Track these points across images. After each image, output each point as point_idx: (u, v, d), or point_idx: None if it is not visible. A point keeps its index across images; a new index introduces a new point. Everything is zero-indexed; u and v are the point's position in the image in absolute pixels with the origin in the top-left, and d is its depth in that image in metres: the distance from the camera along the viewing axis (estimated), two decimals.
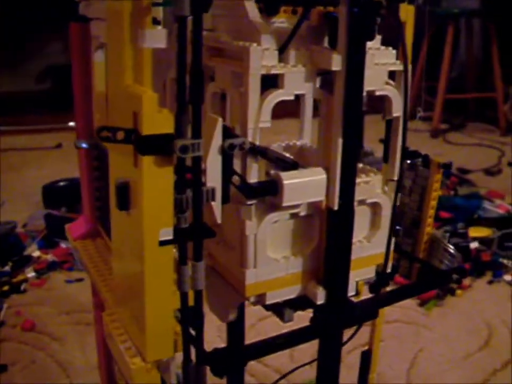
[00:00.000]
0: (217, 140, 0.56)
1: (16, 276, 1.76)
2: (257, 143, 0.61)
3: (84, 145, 0.79)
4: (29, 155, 2.93)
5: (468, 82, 3.79)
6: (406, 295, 0.78)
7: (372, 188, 0.70)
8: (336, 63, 0.61)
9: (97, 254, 0.80)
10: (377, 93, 0.67)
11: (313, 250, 0.68)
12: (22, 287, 1.72)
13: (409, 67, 0.68)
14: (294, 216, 0.66)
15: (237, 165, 0.62)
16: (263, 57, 0.60)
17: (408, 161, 0.85)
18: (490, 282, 1.78)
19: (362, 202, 0.69)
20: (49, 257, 1.87)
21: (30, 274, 1.78)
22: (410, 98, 0.70)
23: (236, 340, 0.86)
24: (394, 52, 0.68)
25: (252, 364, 1.35)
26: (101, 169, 0.80)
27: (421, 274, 0.85)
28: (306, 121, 0.83)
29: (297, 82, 0.62)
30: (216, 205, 0.57)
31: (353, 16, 0.59)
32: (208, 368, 0.61)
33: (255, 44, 0.60)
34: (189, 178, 0.54)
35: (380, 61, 0.66)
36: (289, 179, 0.62)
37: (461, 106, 3.69)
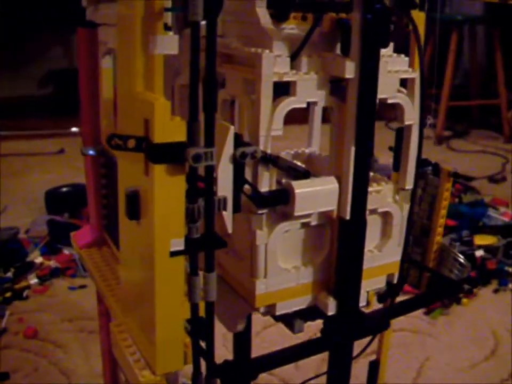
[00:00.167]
0: (229, 148, 0.55)
1: (18, 282, 1.75)
2: (269, 151, 0.60)
3: (91, 152, 0.78)
4: (31, 160, 2.92)
5: (472, 89, 3.78)
6: (417, 305, 0.77)
7: (383, 197, 0.69)
8: (350, 70, 0.60)
9: (103, 263, 0.79)
10: (390, 101, 0.66)
11: (324, 260, 0.67)
12: (25, 294, 1.70)
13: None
14: (305, 225, 0.65)
15: (247, 173, 0.62)
16: (275, 64, 0.59)
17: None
18: (496, 290, 1.77)
19: (373, 211, 0.68)
20: (52, 263, 1.86)
21: (33, 280, 1.77)
22: None
23: (243, 349, 0.85)
24: (407, 59, 0.68)
25: None
26: (108, 176, 0.78)
27: (431, 284, 0.84)
28: (315, 128, 0.82)
29: (309, 90, 0.61)
30: (228, 215, 0.56)
31: (367, 22, 0.58)
32: (218, 380, 0.60)
33: (267, 51, 0.59)
34: (200, 188, 0.53)
35: (393, 68, 0.65)
36: (301, 188, 0.61)
37: (464, 113, 3.68)
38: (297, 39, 0.62)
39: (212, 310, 0.56)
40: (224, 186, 0.55)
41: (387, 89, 0.64)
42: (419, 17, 0.70)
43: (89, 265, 0.78)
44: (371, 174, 0.69)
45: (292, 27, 0.70)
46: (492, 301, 1.73)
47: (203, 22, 0.50)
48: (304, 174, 0.63)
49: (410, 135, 0.69)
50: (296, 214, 0.61)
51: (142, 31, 0.52)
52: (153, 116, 0.48)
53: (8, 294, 1.68)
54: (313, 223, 0.65)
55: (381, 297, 0.76)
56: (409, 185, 0.70)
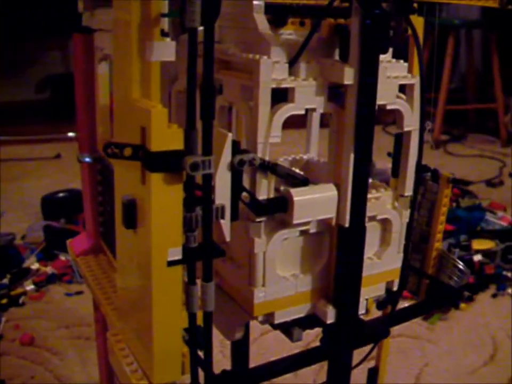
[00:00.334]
0: (226, 156, 0.55)
1: (14, 288, 1.74)
2: (267, 158, 0.60)
3: (87, 159, 0.77)
4: (28, 165, 2.91)
5: (469, 93, 3.78)
6: (417, 313, 0.76)
7: (383, 203, 0.68)
8: (349, 76, 0.59)
9: (100, 271, 0.78)
10: (389, 107, 0.65)
11: (323, 268, 0.66)
12: (21, 300, 1.69)
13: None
14: (303, 233, 0.64)
15: (245, 181, 0.61)
16: (273, 70, 0.59)
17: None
18: (494, 295, 1.76)
19: (372, 218, 0.68)
20: (49, 269, 1.84)
21: (29, 287, 1.76)
22: None
23: (241, 357, 0.84)
24: (406, 64, 0.67)
25: None
26: (104, 183, 0.78)
27: (430, 291, 0.83)
28: (313, 135, 0.81)
29: (308, 96, 0.61)
30: (225, 223, 0.55)
31: (366, 28, 0.58)
32: None
33: (265, 57, 0.59)
34: (197, 196, 0.52)
35: (392, 74, 0.65)
36: (299, 196, 0.60)
37: (461, 117, 3.68)
38: (295, 44, 0.62)
39: (210, 320, 0.55)
40: (222, 194, 0.55)
41: (386, 95, 0.64)
42: (418, 22, 0.70)
43: (86, 273, 0.78)
44: (370, 180, 0.68)
45: (290, 33, 0.70)
46: (490, 305, 1.72)
47: (201, 28, 0.49)
48: (302, 182, 0.62)
49: (410, 141, 0.69)
50: (294, 221, 0.60)
51: (139, 37, 0.51)
52: (150, 123, 0.47)
53: (4, 301, 1.67)
54: (312, 230, 0.64)
55: (380, 304, 0.75)
56: (408, 192, 0.70)
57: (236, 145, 0.57)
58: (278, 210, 0.60)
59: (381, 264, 0.70)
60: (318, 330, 0.69)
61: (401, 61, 0.67)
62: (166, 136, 0.48)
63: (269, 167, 0.59)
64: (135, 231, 0.53)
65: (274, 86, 0.59)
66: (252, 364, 0.67)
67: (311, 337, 0.69)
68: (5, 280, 1.77)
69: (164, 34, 0.52)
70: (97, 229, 0.83)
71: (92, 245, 0.83)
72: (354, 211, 0.63)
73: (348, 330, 0.67)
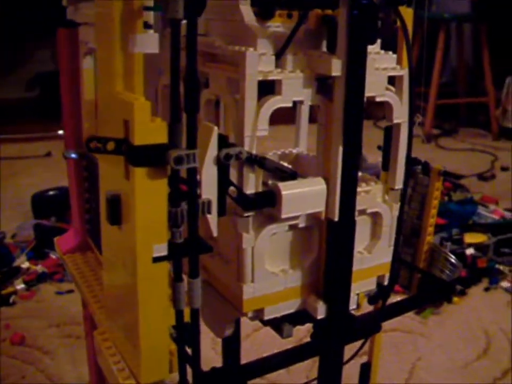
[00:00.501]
0: (212, 149, 0.54)
1: (5, 288, 1.72)
2: (254, 152, 0.59)
3: (73, 155, 0.76)
4: (18, 164, 2.89)
5: (460, 87, 3.78)
6: (408, 308, 0.76)
7: (373, 197, 0.67)
8: (336, 68, 0.59)
9: (87, 269, 0.77)
10: (378, 99, 0.65)
11: (313, 263, 0.66)
12: (11, 300, 1.67)
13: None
14: (292, 227, 0.63)
15: (233, 175, 0.60)
16: (259, 62, 0.58)
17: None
18: (487, 289, 1.76)
19: (362, 212, 0.67)
20: (39, 268, 1.83)
21: (19, 286, 1.74)
22: None
23: (232, 354, 0.83)
24: (394, 56, 0.66)
25: None
26: (90, 180, 0.77)
27: (422, 285, 0.82)
28: (302, 128, 0.81)
29: (295, 89, 0.60)
30: (212, 218, 0.55)
31: (353, 19, 0.57)
32: None
33: (251, 49, 0.58)
34: (183, 190, 0.51)
35: (380, 65, 0.64)
36: (288, 190, 0.59)
37: (452, 111, 3.68)
38: (282, 37, 0.61)
39: (197, 317, 0.54)
40: (209, 189, 0.54)
41: (375, 87, 0.63)
42: (407, 13, 0.69)
43: (73, 271, 0.77)
44: (360, 174, 0.67)
45: (277, 25, 0.69)
46: (483, 299, 1.72)
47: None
48: (291, 175, 0.61)
49: (400, 133, 0.68)
50: (283, 216, 0.59)
51: (121, 30, 0.50)
52: (132, 116, 0.46)
53: None
54: (301, 225, 0.63)
55: (371, 299, 0.74)
56: (398, 185, 0.69)
57: (222, 139, 0.56)
58: (266, 205, 0.59)
59: (372, 258, 0.69)
60: (309, 326, 0.68)
61: (390, 53, 0.66)
62: (150, 130, 0.47)
63: (256, 161, 0.58)
64: (120, 227, 0.52)
65: (260, 78, 0.58)
66: (244, 361, 0.66)
67: (303, 333, 0.68)
68: None
69: (147, 26, 0.51)
70: (84, 226, 0.81)
71: (79, 242, 0.82)
72: (344, 205, 0.62)
73: (339, 325, 0.66)
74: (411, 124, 0.67)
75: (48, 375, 1.37)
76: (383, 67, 0.64)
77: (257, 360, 0.63)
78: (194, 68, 0.47)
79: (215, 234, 0.56)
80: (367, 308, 0.76)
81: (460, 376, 1.38)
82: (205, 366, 0.62)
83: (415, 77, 0.66)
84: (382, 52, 0.65)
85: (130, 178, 0.48)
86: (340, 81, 0.59)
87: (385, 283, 0.71)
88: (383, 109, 0.68)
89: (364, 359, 0.93)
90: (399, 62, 0.67)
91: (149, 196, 0.48)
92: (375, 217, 0.69)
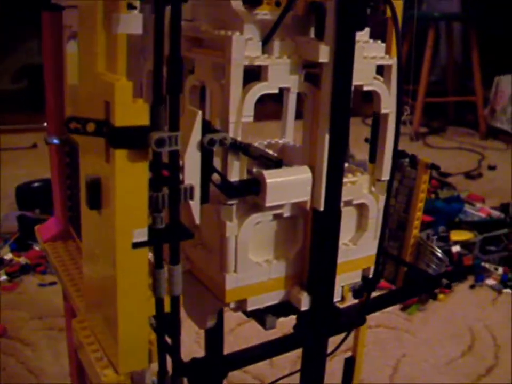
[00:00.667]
0: (196, 134, 0.52)
1: None
2: (239, 139, 0.58)
3: (55, 141, 0.74)
4: (3, 155, 2.86)
5: (448, 86, 3.79)
6: (394, 301, 0.75)
7: (359, 188, 0.67)
8: (324, 54, 0.58)
9: (68, 257, 0.76)
10: (365, 88, 0.64)
11: (297, 253, 0.65)
12: None
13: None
14: (277, 217, 0.62)
15: (217, 163, 0.59)
16: (246, 47, 0.57)
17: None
18: (472, 286, 1.76)
19: (348, 203, 0.66)
20: (22, 260, 1.81)
21: (2, 277, 1.72)
22: None
23: (215, 347, 0.82)
24: (383, 45, 0.65)
25: None
26: (72, 166, 0.75)
27: (408, 279, 0.82)
28: (289, 119, 0.80)
29: (281, 75, 0.59)
30: (195, 205, 0.53)
31: (342, 4, 0.56)
32: (185, 379, 0.57)
33: (237, 33, 0.56)
34: (165, 176, 0.50)
35: (369, 54, 0.63)
36: (272, 178, 0.58)
37: (441, 110, 3.69)
38: (269, 24, 0.60)
39: (177, 305, 0.53)
40: (191, 174, 0.52)
41: (363, 75, 0.62)
42: (397, 4, 0.68)
43: (53, 259, 0.75)
44: (346, 164, 0.66)
45: (265, 13, 0.67)
46: (468, 296, 1.71)
47: None
48: (276, 163, 0.60)
49: (387, 124, 0.67)
50: (267, 204, 0.58)
51: (104, 9, 0.49)
52: (113, 97, 0.45)
53: None
54: (286, 214, 0.62)
55: (356, 292, 0.74)
56: (385, 176, 0.68)
57: (206, 125, 0.54)
58: (250, 193, 0.58)
59: (357, 250, 0.68)
60: (293, 321, 0.67)
61: (379, 42, 0.65)
62: (131, 111, 0.45)
63: (241, 148, 0.57)
64: (100, 212, 0.50)
65: (246, 63, 0.56)
66: None
67: (288, 329, 0.67)
68: None
69: (131, 7, 0.50)
70: (65, 214, 0.80)
71: (60, 231, 0.81)
72: (330, 194, 0.61)
73: (323, 317, 0.65)
74: (399, 114, 0.66)
75: (29, 367, 1.35)
76: (371, 56, 0.63)
77: (240, 351, 0.62)
78: (177, 47, 0.46)
79: (197, 221, 0.55)
80: (351, 301, 0.76)
81: (444, 372, 1.38)
82: (188, 359, 0.60)
83: (403, 68, 0.66)
84: (371, 41, 0.64)
85: (111, 160, 0.46)
86: (327, 68, 0.58)
87: (371, 276, 0.71)
88: (371, 107, 0.67)
89: (348, 354, 0.92)
90: (387, 51, 0.66)
91: (129, 179, 0.47)
92: (361, 209, 0.68)
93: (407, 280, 0.82)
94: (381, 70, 0.66)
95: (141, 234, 0.49)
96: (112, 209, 0.48)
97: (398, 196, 0.83)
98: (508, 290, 1.74)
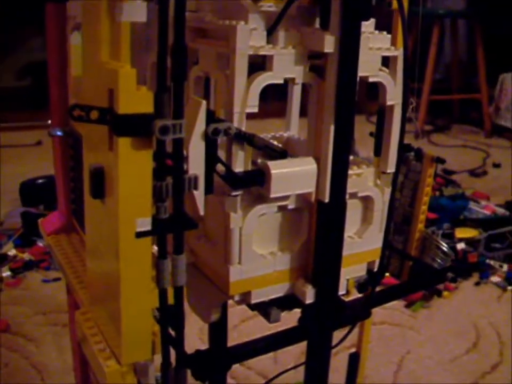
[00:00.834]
0: (200, 124, 0.52)
1: None
2: (244, 129, 0.57)
3: (59, 133, 0.74)
4: (8, 152, 2.86)
5: (453, 83, 3.77)
6: (399, 294, 0.74)
7: (364, 180, 0.66)
8: (329, 44, 0.57)
9: (71, 250, 0.75)
10: (371, 80, 0.63)
11: (302, 246, 0.64)
12: None
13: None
14: (282, 209, 0.62)
15: (221, 154, 0.58)
16: (250, 37, 0.56)
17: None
18: (477, 283, 1.75)
19: (353, 195, 0.65)
20: (26, 256, 1.81)
21: (6, 273, 1.72)
22: None
23: (219, 341, 0.81)
24: (389, 36, 0.65)
25: (234, 367, 1.30)
26: (76, 158, 0.75)
27: (413, 273, 0.81)
28: (294, 112, 0.79)
29: (286, 65, 0.58)
30: (199, 195, 0.53)
31: None
32: (189, 371, 0.57)
33: (242, 22, 0.56)
34: (169, 165, 0.49)
35: (374, 45, 0.62)
36: (277, 168, 0.58)
37: (445, 107, 3.68)
38: (274, 15, 0.59)
39: (181, 296, 0.52)
40: (195, 164, 0.52)
41: (368, 66, 0.61)
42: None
43: (56, 252, 0.75)
44: (351, 157, 0.66)
45: (270, 5, 0.67)
46: (473, 293, 1.71)
47: None
48: (281, 154, 0.59)
49: (393, 116, 0.66)
50: (272, 195, 0.58)
51: None
52: (117, 84, 0.44)
53: None
54: (291, 206, 0.62)
55: (361, 286, 0.73)
56: (391, 169, 0.68)
57: (211, 115, 0.54)
58: (255, 184, 0.58)
59: (362, 243, 0.68)
60: (297, 315, 0.67)
61: (384, 33, 0.64)
62: (135, 98, 0.45)
63: (245, 138, 0.56)
64: (103, 201, 0.50)
65: (251, 52, 0.56)
66: None
67: (292, 324, 0.67)
68: None
69: None
70: (69, 206, 0.80)
71: (63, 223, 0.80)
72: (335, 186, 0.61)
73: (328, 310, 0.65)
74: (405, 106, 0.66)
75: (33, 363, 1.35)
76: (377, 47, 0.63)
77: (243, 343, 0.62)
78: (182, 33, 0.45)
79: (201, 212, 0.54)
80: (357, 295, 0.75)
81: (449, 369, 1.37)
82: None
83: (409, 60, 0.65)
84: (376, 32, 0.64)
85: (114, 148, 0.46)
86: (332, 58, 0.58)
87: (376, 269, 0.70)
88: (375, 104, 0.66)
89: (353, 351, 0.92)
90: (393, 43, 0.65)
91: (132, 167, 0.46)
92: (366, 201, 0.68)
93: (412, 274, 0.81)
94: (385, 63, 0.65)
95: (145, 224, 0.48)
96: (115, 198, 0.47)
97: (403, 190, 0.83)
98: None
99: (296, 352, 1.31)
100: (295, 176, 0.59)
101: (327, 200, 0.61)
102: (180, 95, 0.47)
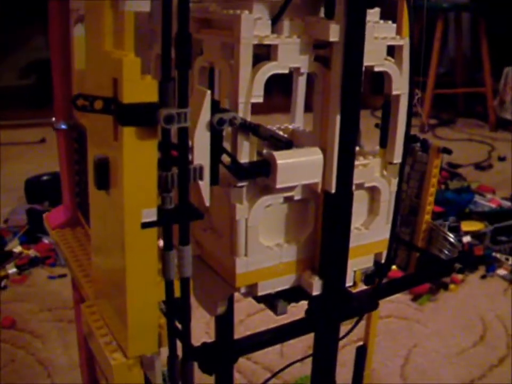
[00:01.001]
0: (205, 114, 0.51)
1: None
2: (249, 119, 0.57)
3: (63, 126, 0.73)
4: (12, 150, 2.87)
5: (457, 77, 3.76)
6: (406, 285, 0.74)
7: (371, 171, 0.65)
8: (334, 33, 0.56)
9: (77, 244, 0.75)
10: (376, 69, 0.62)
11: (309, 237, 0.64)
12: (3, 284, 1.66)
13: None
14: (288, 200, 0.61)
15: (226, 146, 0.58)
16: (255, 26, 0.56)
17: None
18: (483, 276, 1.75)
19: (360, 186, 0.65)
20: (31, 252, 1.81)
21: (11, 270, 1.73)
22: None
23: (225, 334, 0.81)
24: (394, 25, 0.64)
25: (240, 361, 1.30)
26: (80, 152, 0.74)
27: (420, 265, 0.80)
28: (299, 103, 0.78)
29: (291, 54, 0.58)
30: (204, 185, 0.52)
31: None
32: (195, 364, 0.56)
33: (246, 12, 0.55)
34: (174, 156, 0.49)
35: (379, 34, 0.62)
36: (283, 159, 0.57)
37: (450, 101, 3.67)
38: (278, 4, 0.59)
39: (187, 287, 0.52)
40: (201, 154, 0.52)
41: (374, 56, 0.61)
42: None
43: (61, 246, 0.75)
44: (357, 148, 0.65)
45: None
46: (479, 287, 1.70)
47: None
48: (286, 144, 0.59)
49: (399, 106, 0.65)
50: (278, 186, 0.57)
51: None
52: (121, 73, 0.44)
53: None
54: (297, 197, 0.61)
55: (368, 278, 0.73)
56: (397, 159, 0.67)
57: (215, 105, 0.54)
58: (261, 174, 0.57)
59: (369, 234, 0.67)
60: (303, 309, 0.66)
61: (390, 22, 0.64)
62: (139, 87, 0.45)
63: (250, 128, 0.56)
64: (108, 192, 0.50)
65: (256, 42, 0.55)
66: None
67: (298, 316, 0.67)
68: None
69: None
70: (74, 200, 0.79)
71: (68, 217, 0.80)
72: (341, 176, 0.60)
73: (335, 301, 0.64)
74: (411, 97, 0.65)
75: (39, 359, 1.35)
76: (382, 36, 0.62)
77: (250, 335, 0.61)
78: (186, 21, 0.45)
79: (207, 203, 0.54)
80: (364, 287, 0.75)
81: (456, 362, 1.37)
82: None
83: (415, 49, 0.64)
84: (381, 21, 0.63)
85: (119, 138, 0.46)
86: (338, 47, 0.57)
87: (383, 261, 0.70)
88: (380, 99, 0.65)
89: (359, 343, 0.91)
90: (398, 32, 0.65)
91: (137, 157, 0.46)
92: (373, 192, 0.67)
93: (419, 266, 0.81)
94: (390, 53, 0.65)
95: (150, 214, 0.48)
96: (120, 189, 0.47)
97: (410, 181, 0.82)
98: None
99: (303, 346, 1.31)
100: (301, 166, 0.58)
101: (333, 190, 0.60)
102: (184, 83, 0.46)
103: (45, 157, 2.62)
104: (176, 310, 0.54)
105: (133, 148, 0.45)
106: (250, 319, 1.45)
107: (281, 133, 0.76)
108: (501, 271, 1.77)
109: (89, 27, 0.52)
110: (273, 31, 0.58)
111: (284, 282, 0.64)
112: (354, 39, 0.57)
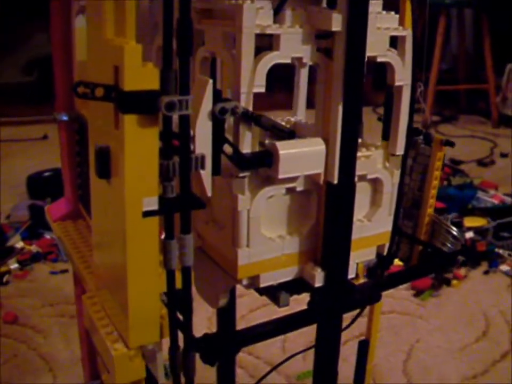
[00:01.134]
0: (207, 103, 0.51)
1: None
2: (251, 109, 0.56)
3: (64, 117, 0.73)
4: (14, 146, 2.87)
5: (460, 73, 3.75)
6: (409, 277, 0.73)
7: (373, 162, 0.65)
8: (337, 22, 0.56)
9: (78, 236, 0.75)
10: (379, 59, 0.62)
11: (311, 229, 0.63)
12: (5, 279, 1.66)
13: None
14: (290, 191, 0.61)
15: (229, 137, 0.57)
16: (257, 16, 0.55)
17: None
18: (486, 272, 1.74)
19: (362, 178, 0.65)
20: (33, 248, 1.81)
21: (13, 265, 1.72)
22: None
23: (227, 327, 0.81)
24: (397, 16, 0.64)
25: (242, 355, 1.30)
26: (81, 143, 0.74)
27: (423, 258, 0.80)
28: (301, 95, 0.78)
29: (294, 44, 0.57)
30: (206, 175, 0.52)
31: None
32: (197, 355, 0.56)
33: (248, 1, 0.55)
34: (176, 145, 0.49)
35: (382, 25, 0.62)
36: (285, 149, 0.57)
37: (452, 98, 3.66)
38: None
39: (189, 277, 0.52)
40: (202, 143, 0.51)
41: (376, 46, 0.60)
42: None
43: (63, 238, 0.74)
44: (360, 140, 0.65)
45: None
46: (482, 282, 1.70)
47: None
48: (288, 134, 0.58)
49: (401, 97, 0.65)
50: (280, 176, 0.57)
51: None
52: (122, 61, 0.44)
53: None
54: (299, 188, 0.61)
55: (370, 271, 0.72)
56: (399, 151, 0.67)
57: (217, 95, 0.53)
58: (263, 165, 0.57)
59: (372, 226, 0.67)
60: (305, 301, 0.66)
61: (392, 13, 0.63)
62: (140, 75, 0.44)
63: (252, 118, 0.55)
64: (109, 181, 0.49)
65: (258, 31, 0.55)
66: None
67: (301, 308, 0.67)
68: None
69: None
70: (75, 192, 0.79)
71: (70, 210, 0.80)
72: (344, 167, 0.60)
73: (337, 293, 0.64)
74: (413, 88, 0.65)
75: (41, 354, 1.35)
76: (384, 27, 0.62)
77: (252, 327, 0.61)
78: (188, 7, 0.45)
79: (209, 193, 0.54)
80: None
81: (459, 358, 1.36)
82: None
83: (418, 40, 0.64)
84: (384, 12, 0.63)
85: (120, 126, 0.45)
86: (340, 37, 0.57)
87: (385, 253, 0.69)
88: (382, 95, 0.65)
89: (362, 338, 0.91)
90: (400, 24, 0.65)
91: (139, 145, 0.46)
92: (375, 184, 0.67)
93: (421, 259, 0.80)
94: (393, 45, 0.64)
95: (151, 203, 0.48)
96: (121, 177, 0.47)
97: (412, 174, 0.82)
98: None
99: (305, 341, 1.30)
100: (303, 157, 0.58)
101: (336, 181, 0.60)
102: (185, 70, 0.46)
103: (47, 153, 2.62)
104: (177, 301, 0.53)
105: (134, 136, 0.45)
106: (252, 314, 1.45)
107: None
108: (504, 267, 1.76)
109: (90, 15, 0.51)
110: (275, 21, 0.57)
111: (286, 274, 0.63)
112: (356, 29, 0.57)
